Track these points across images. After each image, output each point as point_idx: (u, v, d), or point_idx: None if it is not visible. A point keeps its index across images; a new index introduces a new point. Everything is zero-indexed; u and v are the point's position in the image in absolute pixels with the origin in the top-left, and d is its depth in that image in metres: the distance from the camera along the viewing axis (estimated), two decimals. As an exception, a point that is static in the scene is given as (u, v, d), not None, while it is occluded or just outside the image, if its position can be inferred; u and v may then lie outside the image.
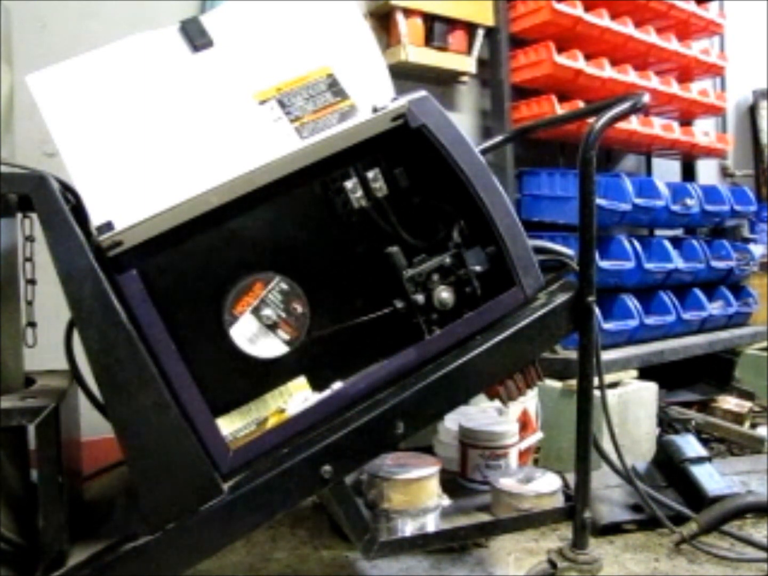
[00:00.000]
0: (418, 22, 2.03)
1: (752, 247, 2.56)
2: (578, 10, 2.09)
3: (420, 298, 0.97)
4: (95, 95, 0.89)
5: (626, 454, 1.38)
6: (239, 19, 0.98)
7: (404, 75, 2.00)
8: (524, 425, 1.61)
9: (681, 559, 1.37)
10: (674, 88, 2.41)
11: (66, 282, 0.81)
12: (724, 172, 3.14)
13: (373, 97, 0.96)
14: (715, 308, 2.33)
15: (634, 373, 1.89)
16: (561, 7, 2.06)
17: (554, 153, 2.34)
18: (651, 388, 1.86)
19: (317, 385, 0.96)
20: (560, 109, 2.05)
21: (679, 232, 2.59)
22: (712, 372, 2.39)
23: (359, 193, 0.95)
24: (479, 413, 1.58)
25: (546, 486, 1.27)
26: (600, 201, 1.88)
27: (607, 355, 1.83)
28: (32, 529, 0.82)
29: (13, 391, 0.90)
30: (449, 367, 0.96)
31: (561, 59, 2.06)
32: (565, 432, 1.64)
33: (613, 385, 1.82)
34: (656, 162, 2.81)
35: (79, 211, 0.86)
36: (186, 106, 0.91)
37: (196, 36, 0.95)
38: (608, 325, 1.95)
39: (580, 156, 1.04)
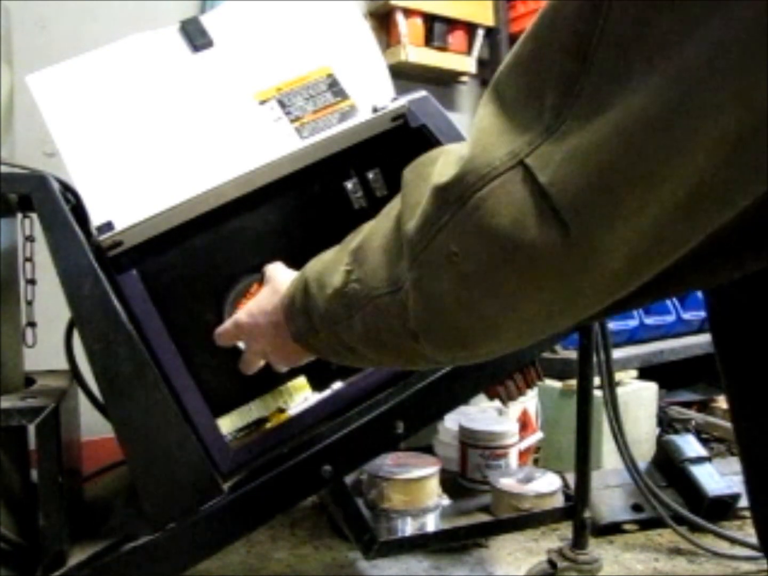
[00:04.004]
0: (418, 22, 2.03)
1: (752, 247, 2.56)
2: (578, 10, 2.09)
3: (420, 298, 0.97)
4: (95, 95, 0.89)
5: (626, 454, 1.38)
6: (239, 19, 0.98)
7: (404, 75, 2.01)
8: (524, 425, 1.61)
9: (681, 559, 1.37)
10: (674, 88, 2.41)
11: (66, 282, 0.81)
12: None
13: (373, 97, 0.96)
14: (715, 308, 2.32)
15: (634, 373, 1.89)
16: (561, 7, 2.06)
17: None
18: (651, 388, 1.86)
19: (317, 385, 0.96)
20: (560, 109, 2.05)
21: (679, 232, 2.59)
22: (712, 372, 2.39)
23: (359, 193, 0.95)
24: (479, 413, 1.58)
25: (546, 486, 1.27)
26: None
27: (607, 355, 1.82)
28: (32, 529, 0.82)
29: (13, 391, 0.90)
30: (449, 367, 0.96)
31: (561, 59, 2.05)
32: (565, 432, 1.64)
33: (613, 385, 1.82)
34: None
35: (79, 211, 0.86)
36: (186, 106, 0.91)
37: (196, 36, 0.95)
38: (608, 325, 1.94)
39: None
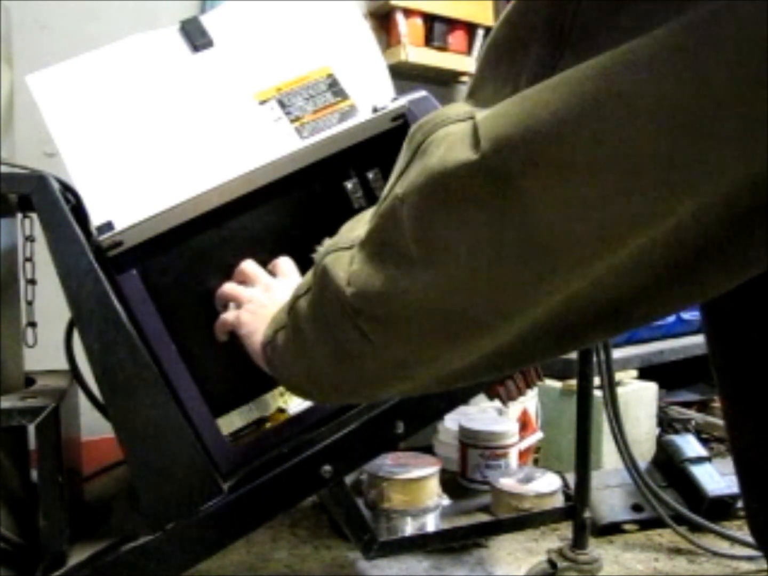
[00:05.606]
0: (418, 22, 2.03)
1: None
2: (578, 10, 2.09)
3: (420, 298, 0.96)
4: (95, 95, 0.89)
5: (626, 454, 1.38)
6: (239, 19, 0.98)
7: (404, 75, 2.01)
8: (524, 425, 1.61)
9: (681, 559, 1.37)
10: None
11: (66, 282, 0.81)
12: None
13: (373, 97, 0.96)
14: (715, 308, 2.32)
15: (634, 373, 1.89)
16: (561, 7, 2.06)
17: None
18: (651, 388, 1.86)
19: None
20: (560, 109, 2.05)
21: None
22: (712, 372, 2.39)
23: (359, 193, 0.95)
24: (479, 413, 1.58)
25: (546, 486, 1.27)
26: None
27: (607, 355, 1.83)
28: (32, 529, 0.82)
29: (13, 391, 0.90)
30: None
31: (561, 59, 2.05)
32: (565, 432, 1.64)
33: (613, 385, 1.82)
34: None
35: (79, 211, 0.86)
36: (186, 106, 0.91)
37: (196, 36, 0.95)
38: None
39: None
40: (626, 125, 0.28)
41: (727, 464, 1.66)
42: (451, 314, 0.38)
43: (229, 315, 0.79)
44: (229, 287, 0.83)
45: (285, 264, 0.84)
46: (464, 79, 2.19)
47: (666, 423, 1.95)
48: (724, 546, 1.38)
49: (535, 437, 1.63)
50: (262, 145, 0.90)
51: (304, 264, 0.97)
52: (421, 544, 1.12)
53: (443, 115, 0.37)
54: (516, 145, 0.31)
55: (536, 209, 0.31)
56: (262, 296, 0.77)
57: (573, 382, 1.56)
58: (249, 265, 0.84)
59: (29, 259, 0.98)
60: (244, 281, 0.83)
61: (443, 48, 2.06)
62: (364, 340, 0.43)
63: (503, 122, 0.32)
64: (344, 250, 0.46)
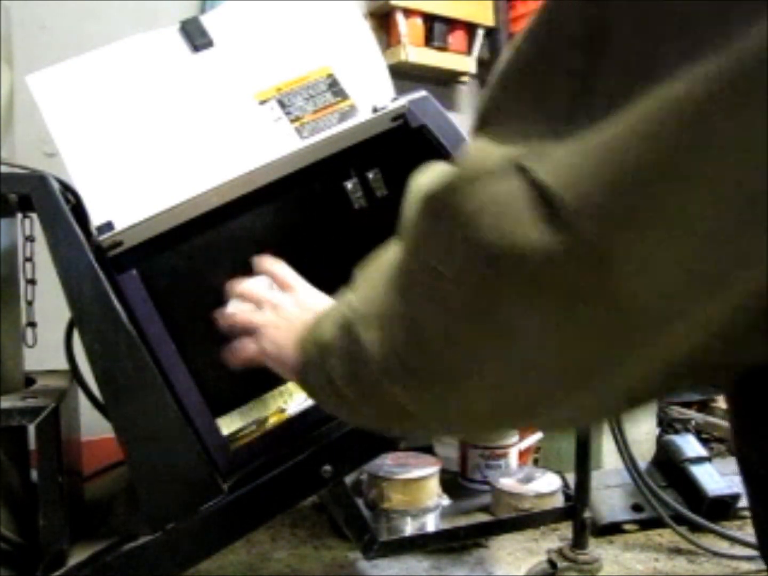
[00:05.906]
0: (418, 22, 2.03)
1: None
2: (578, 10, 2.08)
3: (420, 298, 0.96)
4: (95, 95, 0.89)
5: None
6: (239, 19, 0.98)
7: (404, 75, 2.00)
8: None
9: (681, 559, 1.37)
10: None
11: (66, 282, 0.81)
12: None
13: (373, 97, 0.96)
14: (715, 308, 2.32)
15: (634, 373, 1.89)
16: (561, 7, 2.06)
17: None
18: (651, 388, 1.86)
19: (317, 385, 0.96)
20: (560, 109, 2.04)
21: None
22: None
23: (359, 193, 0.95)
24: (479, 413, 1.57)
25: (546, 486, 1.27)
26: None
27: (607, 355, 1.82)
28: (32, 529, 0.82)
29: (13, 391, 0.90)
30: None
31: (561, 59, 2.05)
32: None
33: (613, 385, 1.82)
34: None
35: (79, 211, 0.86)
36: (186, 106, 0.91)
37: (196, 36, 0.95)
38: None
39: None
40: (731, 158, 0.25)
41: (727, 464, 1.66)
42: (517, 395, 0.35)
43: (249, 347, 0.75)
44: (241, 317, 0.77)
45: (286, 273, 0.78)
46: (464, 79, 2.19)
47: (666, 423, 1.95)
48: (724, 546, 1.38)
49: (535, 437, 1.63)
50: (262, 145, 0.90)
51: (304, 265, 0.97)
52: (421, 544, 1.12)
53: (477, 165, 0.31)
54: (610, 211, 0.27)
55: (628, 278, 0.28)
56: (275, 319, 0.73)
57: (573, 382, 1.56)
58: (250, 287, 0.79)
59: (29, 259, 0.98)
60: (242, 299, 0.79)
61: (443, 48, 2.06)
62: (415, 421, 0.42)
63: (582, 186, 0.27)
64: (376, 325, 0.41)
